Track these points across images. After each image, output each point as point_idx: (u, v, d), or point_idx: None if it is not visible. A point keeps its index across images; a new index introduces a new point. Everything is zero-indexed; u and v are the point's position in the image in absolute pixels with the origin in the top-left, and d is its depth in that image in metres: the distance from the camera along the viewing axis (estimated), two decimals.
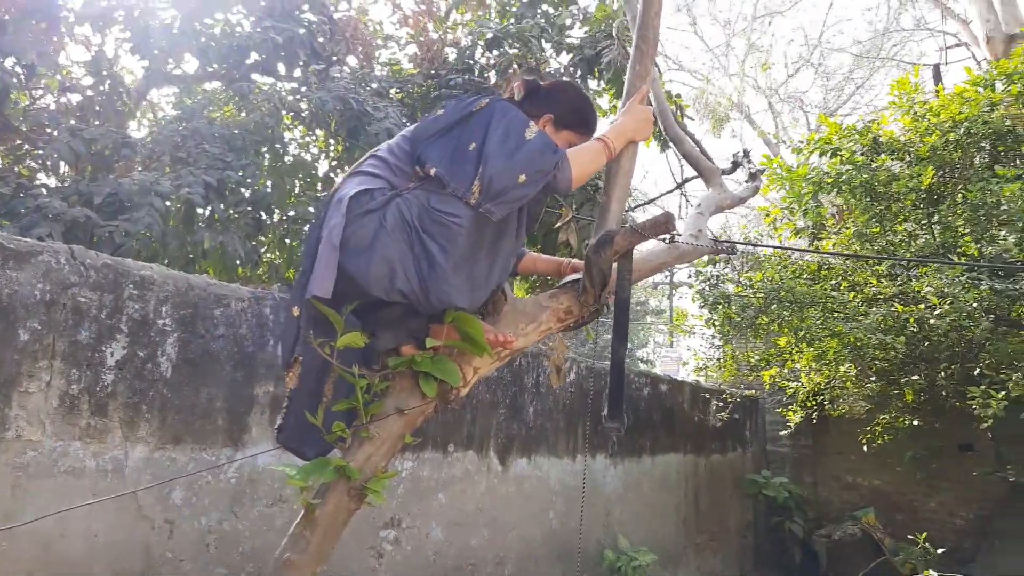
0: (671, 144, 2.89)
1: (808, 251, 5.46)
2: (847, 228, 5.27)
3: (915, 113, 5.26)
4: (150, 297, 2.94)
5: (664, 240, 1.85)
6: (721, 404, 6.77)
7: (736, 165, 3.39)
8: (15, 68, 5.26)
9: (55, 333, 2.65)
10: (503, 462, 4.63)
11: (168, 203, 4.88)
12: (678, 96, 6.78)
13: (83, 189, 4.89)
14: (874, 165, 5.10)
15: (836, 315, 5.20)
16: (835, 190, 5.38)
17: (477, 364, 1.96)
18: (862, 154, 5.30)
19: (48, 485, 2.61)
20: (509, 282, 2.28)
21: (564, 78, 6.17)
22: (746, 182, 3.04)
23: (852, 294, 5.09)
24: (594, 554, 5.27)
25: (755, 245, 5.59)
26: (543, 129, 2.04)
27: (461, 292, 1.79)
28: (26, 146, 5.83)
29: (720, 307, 5.69)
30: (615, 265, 1.98)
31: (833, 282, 5.44)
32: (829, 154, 5.62)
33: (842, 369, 5.67)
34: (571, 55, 5.96)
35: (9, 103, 5.98)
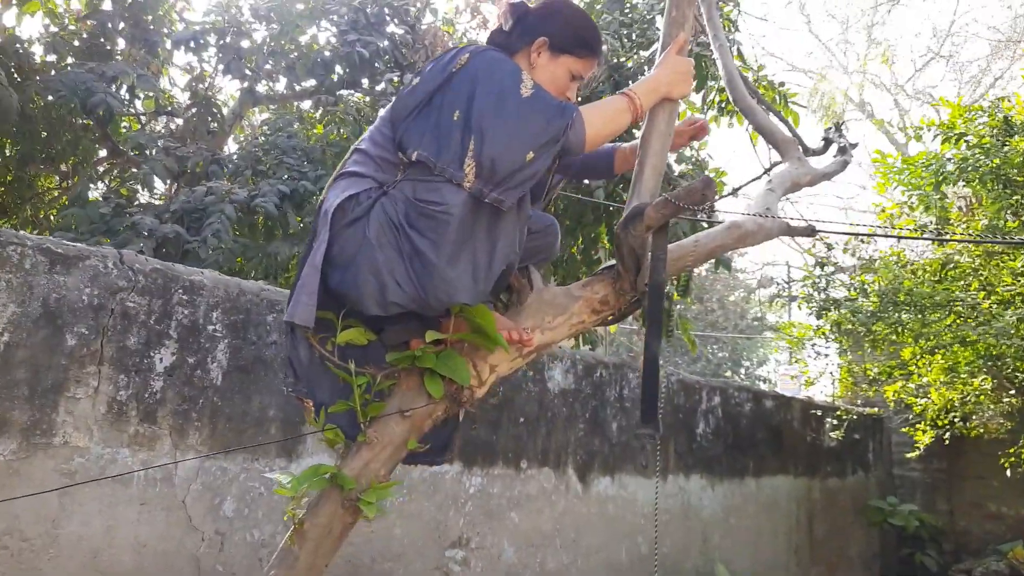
0: (744, 117, 2.55)
1: (911, 235, 4.86)
2: (975, 221, 4.66)
3: None
4: (200, 302, 2.90)
5: (703, 211, 1.55)
6: (835, 422, 6.17)
7: (828, 143, 2.99)
8: (118, 92, 5.53)
9: (103, 338, 2.64)
10: (583, 480, 4.33)
11: (247, 216, 4.95)
12: (782, 84, 6.30)
13: (173, 206, 5.05)
14: (1006, 148, 4.48)
15: (966, 320, 4.59)
16: (961, 179, 4.77)
17: (494, 361, 1.73)
18: (991, 137, 4.68)
19: (95, 493, 2.58)
20: (538, 269, 2.04)
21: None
22: (835, 156, 2.65)
23: (982, 294, 4.47)
24: None
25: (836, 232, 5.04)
26: (538, 56, 1.78)
27: (462, 286, 1.55)
28: (132, 168, 6.14)
29: (829, 313, 5.17)
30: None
31: (962, 282, 4.82)
32: (953, 140, 5.02)
33: (976, 382, 5.00)
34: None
35: (117, 127, 6.33)
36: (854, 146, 2.75)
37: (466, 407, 1.72)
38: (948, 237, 4.47)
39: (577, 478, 4.30)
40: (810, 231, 2.16)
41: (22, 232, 2.55)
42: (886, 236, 5.01)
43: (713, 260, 6.99)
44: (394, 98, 1.84)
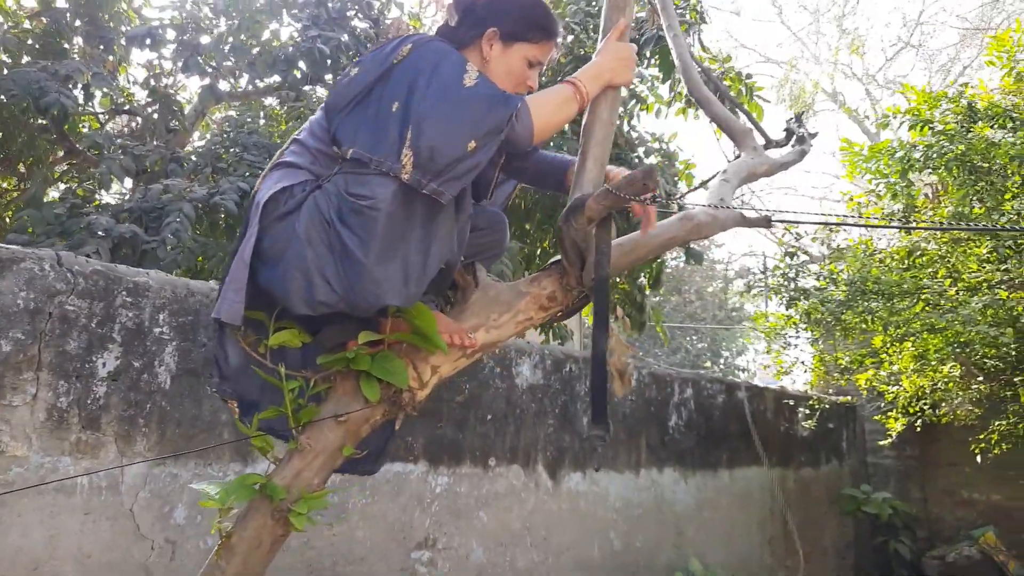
0: (700, 107, 2.50)
1: (873, 224, 4.85)
2: (941, 208, 4.65)
3: (1019, 73, 4.60)
4: (145, 304, 2.80)
5: (646, 201, 1.49)
6: (808, 412, 6.16)
7: (790, 133, 2.95)
8: (73, 91, 5.38)
9: (40, 343, 2.53)
10: (553, 477, 4.28)
11: (209, 215, 4.83)
12: (748, 76, 6.28)
13: (129, 205, 4.92)
14: (970, 135, 4.47)
15: (935, 307, 4.58)
16: (927, 167, 4.76)
17: (435, 362, 1.66)
18: (956, 124, 4.67)
19: (36, 503, 2.48)
20: (487, 266, 1.97)
21: None
22: (792, 146, 2.60)
23: (948, 281, 4.46)
24: None
25: (790, 219, 5.02)
26: (491, 49, 1.70)
27: (391, 287, 1.47)
28: (90, 168, 5.98)
29: (799, 303, 5.14)
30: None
31: (929, 270, 4.81)
32: (919, 127, 5.00)
33: (945, 369, 5.01)
34: None
35: (75, 127, 6.17)
36: (813, 136, 2.71)
37: (407, 411, 1.64)
38: (911, 225, 4.46)
39: (547, 475, 4.24)
40: (765, 222, 2.11)
41: None
42: (844, 225, 5.00)
43: (683, 253, 6.98)
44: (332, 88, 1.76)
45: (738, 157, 2.60)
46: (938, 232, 4.66)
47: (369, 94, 1.58)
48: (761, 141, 2.96)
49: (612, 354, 3.93)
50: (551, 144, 5.55)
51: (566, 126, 5.20)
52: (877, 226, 4.71)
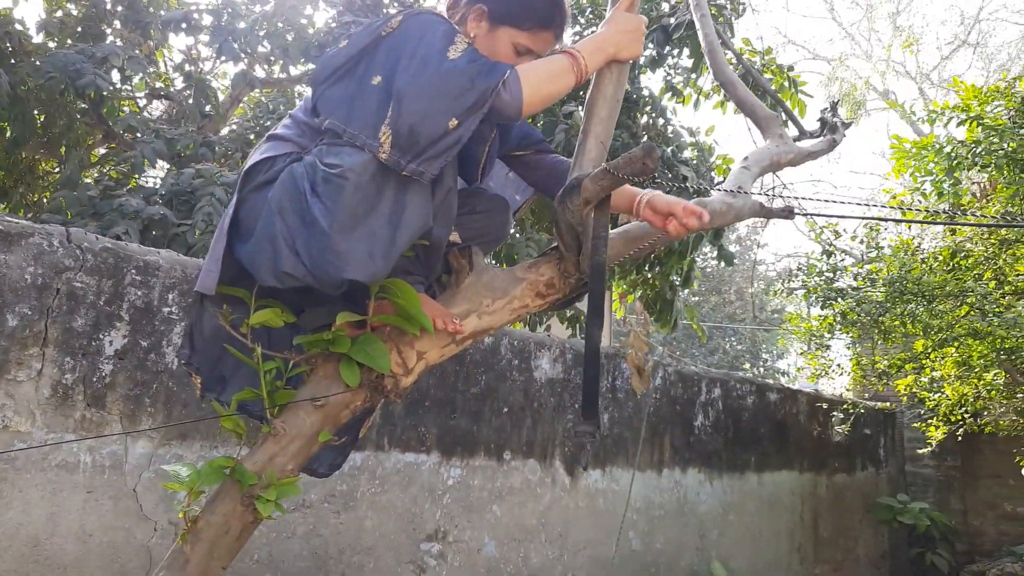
0: (724, 90, 2.37)
1: (902, 220, 4.62)
2: (988, 207, 4.42)
3: None
4: (155, 283, 2.78)
5: (642, 183, 1.38)
6: (843, 416, 5.95)
7: (824, 124, 2.80)
8: (109, 74, 5.44)
9: (47, 319, 2.53)
10: (571, 473, 4.18)
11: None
12: (790, 68, 6.07)
13: (162, 189, 4.95)
14: (1022, 131, 4.24)
15: (979, 311, 4.36)
16: (974, 164, 4.53)
17: (422, 348, 1.58)
18: (1008, 119, 4.43)
19: (37, 479, 2.48)
20: (487, 250, 1.88)
21: None
22: (823, 135, 2.46)
23: (992, 284, 4.24)
24: None
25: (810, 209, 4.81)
26: (477, 26, 1.61)
27: (355, 260, 1.38)
28: (126, 151, 6.05)
29: (836, 303, 4.95)
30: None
31: (974, 272, 4.58)
32: (968, 124, 4.77)
33: (988, 376, 4.77)
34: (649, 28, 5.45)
35: (114, 110, 6.25)
36: (847, 126, 2.56)
37: (391, 397, 1.57)
38: (943, 221, 4.24)
39: (564, 471, 4.15)
40: (787, 213, 1.98)
41: None
42: (874, 219, 4.78)
43: (715, 253, 6.80)
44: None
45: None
46: (984, 233, 4.43)
47: (355, 67, 1.51)
48: (794, 132, 2.83)
49: (630, 350, 3.79)
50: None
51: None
52: (907, 221, 4.50)
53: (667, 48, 5.74)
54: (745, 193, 1.90)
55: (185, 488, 1.41)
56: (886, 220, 4.80)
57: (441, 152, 1.42)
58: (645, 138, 6.16)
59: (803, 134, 2.76)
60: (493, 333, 1.80)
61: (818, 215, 2.62)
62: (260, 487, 1.42)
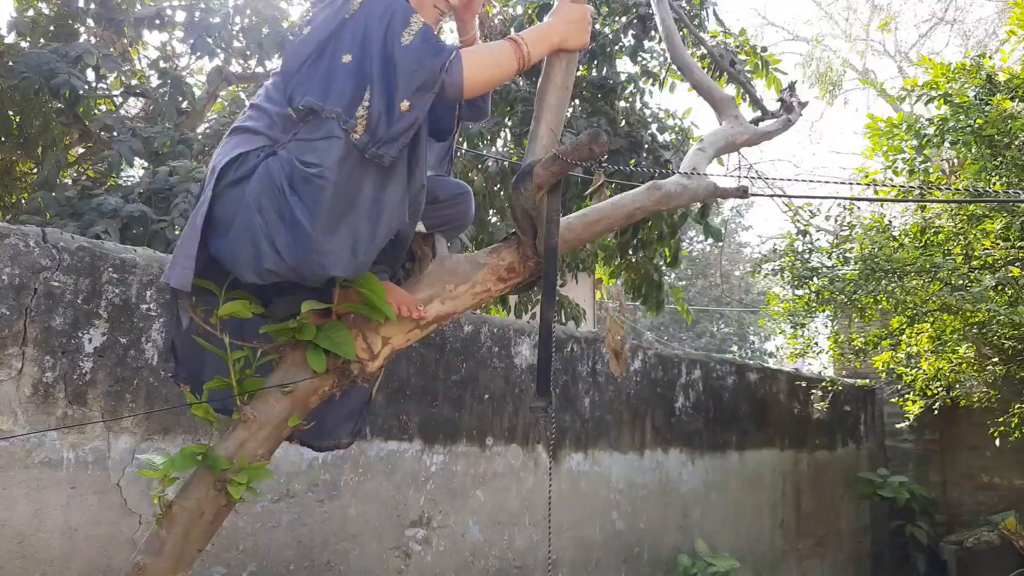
0: (681, 73, 2.42)
1: (864, 199, 4.71)
2: (956, 183, 4.50)
3: None
4: (132, 281, 2.81)
5: (589, 167, 1.44)
6: (821, 394, 6.05)
7: (784, 105, 2.86)
8: (83, 73, 5.43)
9: (26, 319, 2.56)
10: (554, 456, 4.25)
11: None
12: (763, 50, 6.13)
13: (139, 188, 4.96)
14: (987, 108, 4.31)
15: (949, 286, 4.45)
16: (942, 141, 4.61)
17: (387, 333, 1.63)
18: (974, 96, 4.50)
19: (21, 476, 2.52)
20: (451, 238, 1.93)
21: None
22: (778, 116, 2.52)
23: (960, 258, 4.32)
24: (667, 559, 4.79)
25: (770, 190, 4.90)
26: None
27: (338, 258, 1.45)
28: (103, 150, 6.05)
29: (808, 283, 5.03)
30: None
31: (945, 248, 4.67)
32: (937, 102, 4.84)
33: (961, 350, 4.87)
34: (625, 16, 5.49)
35: (90, 110, 6.23)
36: (803, 106, 2.62)
37: (358, 382, 1.62)
38: (904, 199, 4.32)
39: (547, 452, 4.21)
40: (741, 192, 2.05)
41: None
42: (831, 198, 4.87)
43: (702, 229, 6.87)
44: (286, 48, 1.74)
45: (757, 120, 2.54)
46: (953, 209, 4.52)
47: (323, 51, 1.56)
48: (757, 112, 2.89)
49: (607, 334, 3.86)
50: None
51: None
52: (861, 199, 4.58)
53: (645, 41, 5.80)
54: (700, 175, 1.96)
55: (159, 475, 1.46)
56: (846, 199, 4.88)
57: (397, 135, 1.47)
58: (623, 123, 6.21)
59: (765, 114, 2.82)
60: (457, 317, 1.86)
61: (773, 196, 2.69)
62: (232, 472, 1.47)
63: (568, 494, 4.29)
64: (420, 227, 1.79)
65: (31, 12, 6.19)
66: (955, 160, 4.80)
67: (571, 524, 4.29)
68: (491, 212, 5.87)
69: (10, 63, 5.40)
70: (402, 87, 1.44)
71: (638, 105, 6.40)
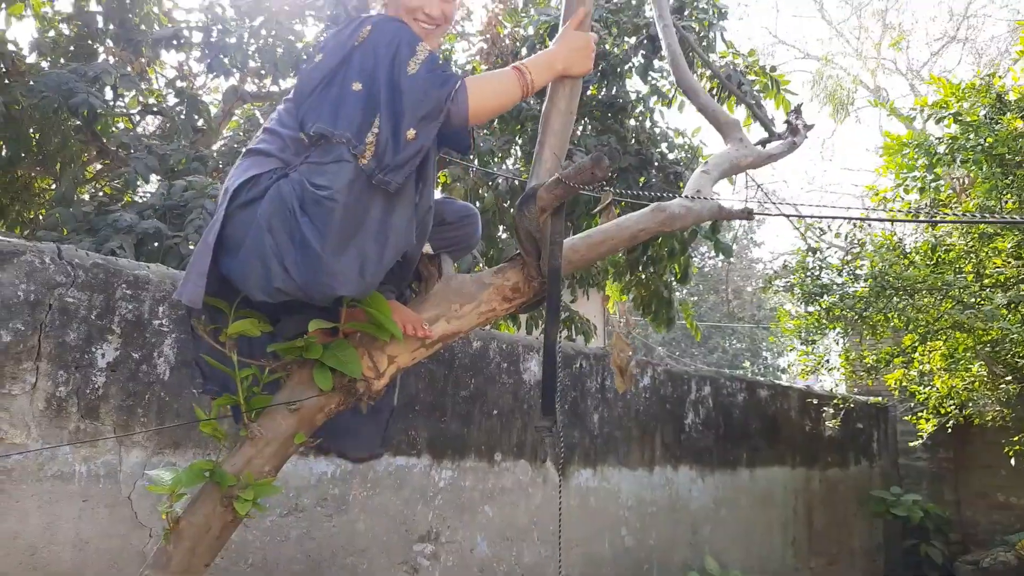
0: (687, 97, 2.45)
1: (870, 219, 4.70)
2: (967, 202, 4.49)
3: None
4: (145, 297, 2.86)
5: (593, 190, 1.46)
6: (833, 411, 6.01)
7: (791, 127, 2.88)
8: (101, 92, 5.53)
9: (40, 334, 2.60)
10: (562, 473, 4.25)
11: None
12: (773, 70, 6.15)
13: (153, 203, 5.04)
14: (998, 127, 4.31)
15: (960, 304, 4.43)
16: (953, 160, 4.61)
17: (393, 352, 1.66)
18: (984, 115, 4.51)
19: (33, 489, 2.56)
20: (457, 259, 1.96)
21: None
22: (784, 138, 2.54)
23: (971, 276, 4.31)
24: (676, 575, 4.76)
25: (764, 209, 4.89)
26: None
27: (347, 279, 1.48)
28: (120, 168, 6.14)
29: (818, 300, 5.02)
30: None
31: (956, 266, 4.65)
32: (947, 121, 4.84)
33: (974, 369, 4.84)
34: (636, 37, 5.53)
35: (107, 128, 6.34)
36: (809, 128, 2.64)
37: (363, 401, 1.65)
38: (910, 219, 4.31)
39: (555, 470, 4.21)
40: (746, 214, 2.07)
41: None
42: (836, 218, 4.86)
43: (712, 246, 6.88)
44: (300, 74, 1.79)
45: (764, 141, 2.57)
46: (965, 227, 4.50)
47: (334, 79, 1.60)
48: (764, 134, 2.91)
49: (613, 351, 3.89)
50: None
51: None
52: (863, 219, 4.57)
53: (655, 60, 5.84)
54: (704, 199, 1.98)
55: (168, 491, 1.49)
56: (853, 219, 4.87)
57: (403, 162, 1.51)
58: (633, 141, 6.25)
59: (773, 136, 2.84)
60: (462, 336, 1.88)
61: (777, 215, 2.70)
62: (238, 488, 1.50)
63: (577, 510, 4.29)
64: (427, 248, 1.83)
65: (52, 33, 6.33)
66: (966, 179, 4.79)
67: (580, 540, 4.28)
68: (501, 229, 5.90)
69: (31, 82, 5.51)
70: (408, 116, 1.48)
71: (648, 124, 6.44)
